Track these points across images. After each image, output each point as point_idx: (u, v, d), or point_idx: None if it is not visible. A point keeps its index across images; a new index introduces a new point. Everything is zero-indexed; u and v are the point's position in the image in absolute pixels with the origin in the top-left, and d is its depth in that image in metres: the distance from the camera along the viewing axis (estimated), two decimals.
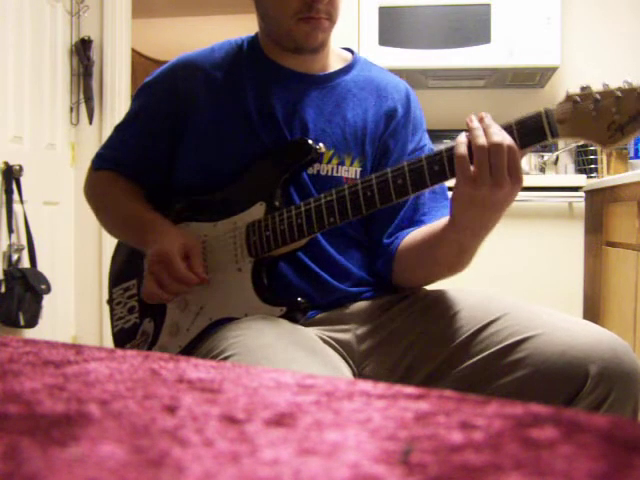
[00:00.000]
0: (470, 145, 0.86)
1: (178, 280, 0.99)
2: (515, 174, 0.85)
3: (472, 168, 0.86)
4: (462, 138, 0.88)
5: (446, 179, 0.91)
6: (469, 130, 0.87)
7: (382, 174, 0.94)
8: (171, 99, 1.11)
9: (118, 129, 1.21)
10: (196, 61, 1.12)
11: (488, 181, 0.84)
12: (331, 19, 1.03)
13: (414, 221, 1.08)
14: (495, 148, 0.84)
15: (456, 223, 0.93)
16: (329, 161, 1.06)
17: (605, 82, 0.84)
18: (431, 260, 1.02)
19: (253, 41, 1.14)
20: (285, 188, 1.04)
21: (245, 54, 1.12)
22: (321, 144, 1.03)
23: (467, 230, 0.93)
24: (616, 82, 0.84)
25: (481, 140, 0.84)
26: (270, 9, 1.05)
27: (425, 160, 0.91)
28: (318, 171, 1.06)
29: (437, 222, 1.01)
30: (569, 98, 0.86)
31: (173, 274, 0.99)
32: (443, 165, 0.90)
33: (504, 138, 0.85)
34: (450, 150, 0.89)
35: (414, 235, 1.05)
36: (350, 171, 1.08)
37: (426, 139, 1.16)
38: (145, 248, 1.09)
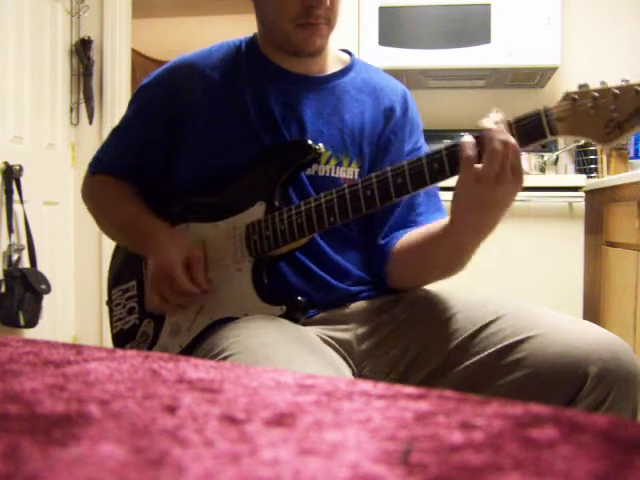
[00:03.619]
0: (476, 145, 0.87)
1: (180, 293, 1.01)
2: (517, 172, 0.86)
3: (476, 166, 0.86)
4: (469, 138, 0.88)
5: (446, 177, 0.91)
6: (483, 130, 0.87)
7: (382, 173, 0.94)
8: (168, 101, 1.11)
9: (115, 133, 1.21)
10: (194, 62, 1.12)
11: (492, 180, 0.85)
12: (329, 24, 1.04)
13: (408, 221, 1.09)
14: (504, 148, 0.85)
15: (457, 223, 0.93)
16: (327, 162, 1.07)
17: (603, 80, 0.85)
18: (428, 262, 1.03)
19: (251, 42, 1.14)
20: (284, 188, 1.04)
21: (243, 55, 1.12)
22: (320, 144, 1.03)
23: (468, 229, 0.93)
24: (616, 82, 0.85)
25: (496, 143, 0.85)
26: (269, 13, 1.05)
27: (425, 159, 0.91)
28: (316, 172, 1.06)
29: (435, 224, 1.01)
30: (567, 96, 0.86)
31: (175, 287, 1.01)
32: (443, 163, 0.90)
33: (509, 137, 0.86)
34: (450, 148, 0.90)
35: (410, 237, 1.05)
36: (348, 172, 1.08)
37: (422, 141, 1.17)
38: (146, 255, 1.09)
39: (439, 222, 0.99)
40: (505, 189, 0.86)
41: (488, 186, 0.86)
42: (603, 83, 0.85)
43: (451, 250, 0.98)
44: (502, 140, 0.85)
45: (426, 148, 1.16)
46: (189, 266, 1.02)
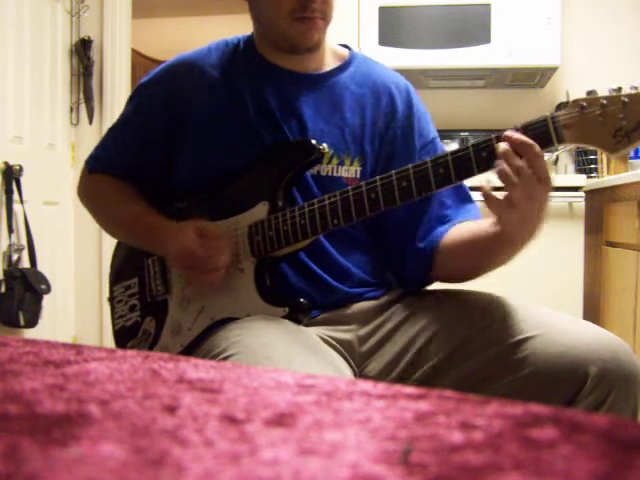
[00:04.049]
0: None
1: (213, 251, 0.99)
2: (543, 179, 0.84)
3: (500, 196, 0.85)
4: (484, 182, 0.86)
5: (451, 183, 0.90)
6: (496, 163, 0.85)
7: (386, 176, 0.93)
8: (168, 99, 1.11)
9: (113, 131, 1.20)
10: (193, 61, 1.11)
11: (523, 201, 0.84)
12: (325, 18, 1.03)
13: (441, 217, 1.06)
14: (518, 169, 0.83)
15: (502, 238, 0.92)
16: (329, 161, 1.06)
17: (610, 86, 0.83)
18: (473, 268, 1.02)
19: (249, 41, 1.13)
20: (288, 188, 1.04)
21: (241, 54, 1.12)
22: (324, 144, 1.03)
23: (507, 244, 0.93)
24: (617, 83, 0.83)
25: (513, 175, 0.83)
26: (265, 11, 1.04)
27: (430, 163, 0.90)
28: (318, 171, 1.06)
29: (477, 233, 0.99)
30: (575, 103, 0.84)
31: (206, 248, 0.98)
32: (448, 169, 0.89)
33: (518, 160, 0.83)
34: (456, 153, 0.89)
35: (452, 240, 1.03)
36: (350, 171, 1.07)
37: (434, 132, 1.14)
38: (154, 252, 1.10)
39: (480, 232, 0.97)
40: (535, 202, 0.85)
41: (520, 206, 0.84)
42: (611, 90, 0.83)
43: (496, 258, 0.97)
44: (515, 167, 0.83)
45: (441, 146, 1.13)
46: (202, 235, 1.00)
